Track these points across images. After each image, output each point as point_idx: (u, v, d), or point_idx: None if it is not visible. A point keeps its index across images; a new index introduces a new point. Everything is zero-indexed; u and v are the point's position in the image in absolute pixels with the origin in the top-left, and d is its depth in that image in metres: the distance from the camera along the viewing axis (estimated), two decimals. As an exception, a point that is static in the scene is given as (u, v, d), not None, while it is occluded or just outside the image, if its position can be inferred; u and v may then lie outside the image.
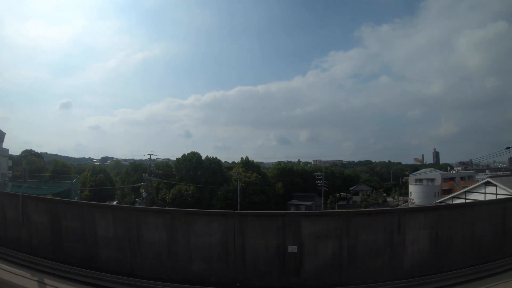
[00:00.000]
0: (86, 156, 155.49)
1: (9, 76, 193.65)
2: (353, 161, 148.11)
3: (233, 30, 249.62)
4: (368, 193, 66.10)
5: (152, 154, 46.27)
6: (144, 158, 54.96)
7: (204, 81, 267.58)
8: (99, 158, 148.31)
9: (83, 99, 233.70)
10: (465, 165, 77.91)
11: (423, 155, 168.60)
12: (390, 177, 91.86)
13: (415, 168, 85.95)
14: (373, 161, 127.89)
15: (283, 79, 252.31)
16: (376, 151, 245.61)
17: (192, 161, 57.20)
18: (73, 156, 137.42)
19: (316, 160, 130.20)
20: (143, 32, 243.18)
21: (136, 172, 57.86)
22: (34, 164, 59.45)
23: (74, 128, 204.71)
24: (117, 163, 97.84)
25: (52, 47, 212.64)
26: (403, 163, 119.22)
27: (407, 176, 67.93)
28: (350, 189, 67.70)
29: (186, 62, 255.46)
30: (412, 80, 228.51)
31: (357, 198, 64.44)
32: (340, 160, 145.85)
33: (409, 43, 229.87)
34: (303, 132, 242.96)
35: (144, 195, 40.57)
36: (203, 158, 59.30)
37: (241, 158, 62.47)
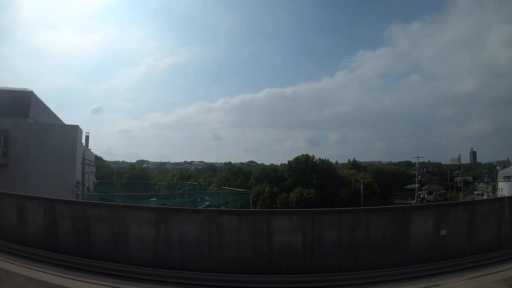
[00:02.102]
0: (120, 160, 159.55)
1: (41, 83, 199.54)
2: (392, 161, 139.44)
3: (260, 33, 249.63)
4: (440, 192, 66.32)
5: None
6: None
7: (232, 84, 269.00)
8: (134, 161, 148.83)
9: (113, 104, 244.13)
10: (504, 164, 79.05)
11: (459, 154, 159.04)
12: (447, 177, 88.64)
13: (457, 167, 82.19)
14: (413, 162, 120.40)
15: (312, 80, 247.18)
16: (407, 151, 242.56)
17: (307, 163, 56.74)
18: (106, 160, 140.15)
19: (362, 162, 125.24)
20: (172, 37, 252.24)
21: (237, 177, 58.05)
22: (102, 170, 58.47)
23: (106, 132, 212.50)
24: (160, 166, 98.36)
25: (82, 54, 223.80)
26: (436, 162, 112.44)
27: (458, 176, 68.43)
28: (423, 188, 66.92)
29: (214, 65, 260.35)
30: (442, 78, 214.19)
31: (430, 198, 64.43)
32: (379, 161, 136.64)
33: (439, 40, 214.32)
34: (333, 133, 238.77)
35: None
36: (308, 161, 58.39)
37: (348, 160, 66.45)
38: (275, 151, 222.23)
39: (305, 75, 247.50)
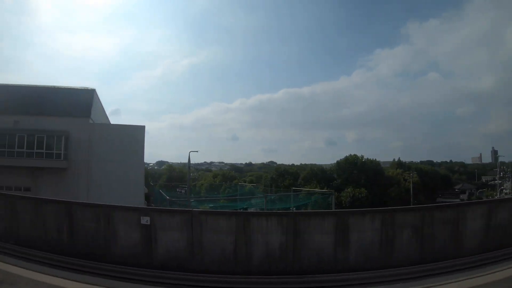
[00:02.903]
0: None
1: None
2: (413, 161, 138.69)
3: (277, 32, 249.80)
4: (472, 191, 65.72)
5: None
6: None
7: (249, 85, 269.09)
8: (154, 162, 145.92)
9: (131, 106, 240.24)
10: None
11: (480, 154, 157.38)
12: (475, 176, 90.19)
13: (481, 166, 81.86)
14: (435, 161, 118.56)
15: (329, 80, 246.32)
16: (425, 151, 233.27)
17: (356, 163, 56.20)
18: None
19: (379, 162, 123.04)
20: (190, 39, 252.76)
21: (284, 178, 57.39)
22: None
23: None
24: (184, 167, 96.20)
25: (100, 57, 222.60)
26: (458, 162, 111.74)
27: (484, 174, 69.40)
28: (455, 188, 66.66)
29: (231, 66, 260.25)
30: (461, 76, 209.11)
31: (463, 196, 63.29)
32: (410, 161, 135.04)
33: (456, 37, 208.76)
34: (350, 133, 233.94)
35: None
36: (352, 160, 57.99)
37: (393, 159, 64.99)
38: (293, 151, 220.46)
39: (322, 75, 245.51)
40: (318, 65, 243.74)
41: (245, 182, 55.39)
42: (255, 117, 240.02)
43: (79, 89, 28.21)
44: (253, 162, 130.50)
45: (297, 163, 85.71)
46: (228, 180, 55.51)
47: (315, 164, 77.63)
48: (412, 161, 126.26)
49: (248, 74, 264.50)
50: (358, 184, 49.62)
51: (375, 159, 58.45)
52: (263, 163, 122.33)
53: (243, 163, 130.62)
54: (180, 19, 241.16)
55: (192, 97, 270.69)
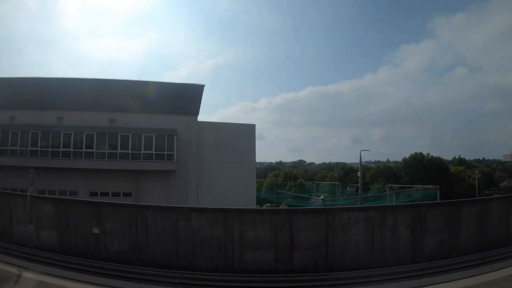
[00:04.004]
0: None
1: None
2: (443, 158, 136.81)
3: (302, 31, 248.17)
4: None
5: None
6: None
7: (274, 84, 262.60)
8: None
9: None
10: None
11: None
12: None
13: None
14: (467, 159, 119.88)
15: (354, 77, 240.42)
16: (453, 148, 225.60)
17: (423, 161, 56.07)
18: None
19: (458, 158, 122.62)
20: (215, 39, 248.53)
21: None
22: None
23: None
24: None
25: (126, 60, 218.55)
26: (486, 158, 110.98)
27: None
28: (501, 185, 66.68)
29: (256, 65, 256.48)
30: (490, 71, 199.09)
31: None
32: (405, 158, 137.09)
33: (484, 31, 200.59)
34: (376, 131, 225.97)
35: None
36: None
37: (454, 157, 64.32)
38: (319, 149, 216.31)
39: (347, 72, 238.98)
40: (343, 62, 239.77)
41: (307, 181, 54.35)
42: (281, 116, 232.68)
43: (187, 84, 25.69)
44: (283, 161, 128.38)
45: (322, 161, 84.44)
46: (291, 179, 53.73)
47: (344, 163, 77.87)
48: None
49: (273, 73, 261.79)
50: (426, 181, 49.39)
51: (439, 156, 58.99)
52: (293, 162, 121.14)
53: (273, 162, 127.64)
54: (205, 20, 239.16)
55: (218, 97, 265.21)
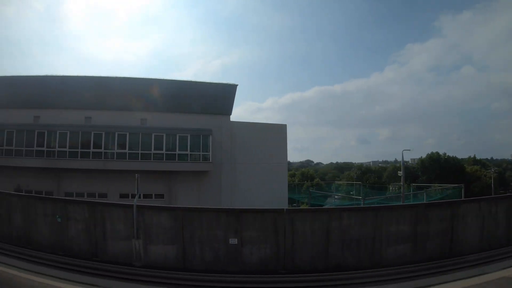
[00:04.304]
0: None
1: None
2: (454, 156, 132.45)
3: (307, 31, 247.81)
4: None
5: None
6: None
7: (281, 84, 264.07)
8: None
9: None
10: None
11: None
12: None
13: None
14: (477, 158, 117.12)
15: (360, 77, 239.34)
16: (459, 147, 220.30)
17: (439, 161, 55.87)
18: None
19: (414, 159, 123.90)
20: (221, 40, 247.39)
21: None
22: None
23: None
24: None
25: (132, 61, 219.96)
26: (494, 158, 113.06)
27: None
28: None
29: (263, 65, 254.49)
30: (496, 70, 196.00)
31: None
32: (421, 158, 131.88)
33: (491, 29, 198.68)
34: (383, 130, 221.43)
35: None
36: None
37: (469, 157, 63.26)
38: (325, 149, 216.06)
39: (353, 72, 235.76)
40: (349, 62, 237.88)
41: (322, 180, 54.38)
42: (287, 116, 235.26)
43: (220, 84, 25.36)
44: (290, 161, 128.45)
45: (328, 161, 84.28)
46: (308, 179, 53.65)
47: (352, 163, 78.09)
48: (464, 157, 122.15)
49: (279, 73, 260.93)
50: (443, 180, 49.53)
51: (454, 156, 59.71)
52: (301, 162, 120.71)
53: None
54: (211, 20, 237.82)
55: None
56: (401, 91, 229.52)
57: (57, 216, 10.62)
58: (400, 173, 25.49)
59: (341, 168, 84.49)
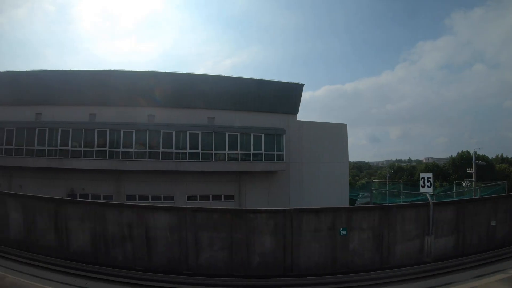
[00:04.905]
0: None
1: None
2: (484, 154, 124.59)
3: (317, 30, 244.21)
4: None
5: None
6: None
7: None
8: None
9: None
10: None
11: None
12: None
13: None
14: (490, 157, 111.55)
15: (371, 75, 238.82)
16: (471, 145, 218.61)
17: (470, 160, 53.82)
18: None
19: (428, 158, 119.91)
20: (231, 39, 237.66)
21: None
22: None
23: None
24: None
25: (142, 62, 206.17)
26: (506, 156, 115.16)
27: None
28: None
29: (272, 65, 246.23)
30: (509, 67, 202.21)
31: None
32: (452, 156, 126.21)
33: (503, 26, 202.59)
34: (394, 129, 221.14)
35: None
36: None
37: (497, 156, 64.45)
38: None
39: (364, 70, 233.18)
40: (360, 60, 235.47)
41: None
42: (298, 115, 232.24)
43: (287, 83, 24.97)
44: None
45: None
46: None
47: (366, 162, 78.54)
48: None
49: (289, 73, 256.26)
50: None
51: (484, 154, 59.24)
52: None
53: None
54: (221, 20, 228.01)
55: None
56: (412, 89, 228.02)
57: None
58: (470, 170, 26.84)
59: (359, 167, 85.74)
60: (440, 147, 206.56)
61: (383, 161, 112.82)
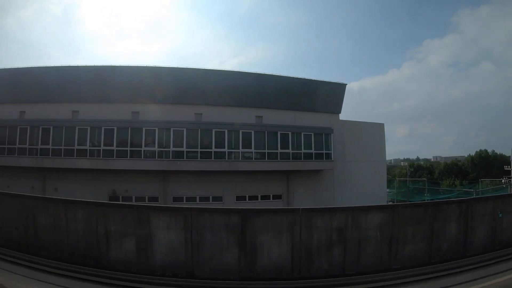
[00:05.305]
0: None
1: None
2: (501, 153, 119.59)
3: (324, 29, 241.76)
4: None
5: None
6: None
7: None
8: None
9: None
10: None
11: None
12: None
13: None
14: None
15: (378, 74, 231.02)
16: (478, 144, 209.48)
17: (488, 158, 56.94)
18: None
19: (436, 157, 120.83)
20: (238, 38, 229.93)
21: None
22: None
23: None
24: None
25: (148, 61, 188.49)
26: None
27: None
28: None
29: (278, 63, 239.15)
30: None
31: None
32: (462, 156, 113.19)
33: (510, 24, 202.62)
34: (401, 128, 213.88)
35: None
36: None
37: None
38: None
39: (370, 69, 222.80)
40: (366, 59, 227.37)
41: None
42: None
43: (330, 83, 25.09)
44: None
45: None
46: None
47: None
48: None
49: (295, 71, 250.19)
50: (492, 176, 48.96)
51: (502, 153, 60.51)
52: None
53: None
54: (228, 20, 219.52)
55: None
56: (419, 87, 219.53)
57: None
58: (508, 167, 28.43)
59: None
60: (447, 145, 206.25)
61: (391, 160, 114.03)
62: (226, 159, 21.49)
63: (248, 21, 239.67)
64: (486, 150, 62.80)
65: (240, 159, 21.67)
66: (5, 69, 22.77)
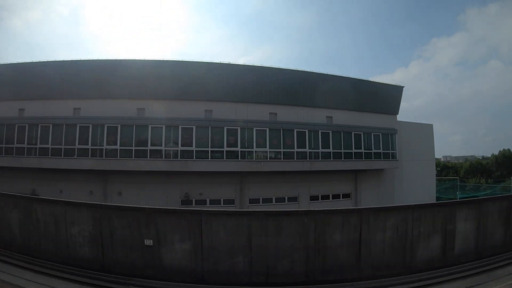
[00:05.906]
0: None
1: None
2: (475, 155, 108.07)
3: (331, 28, 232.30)
4: None
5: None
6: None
7: None
8: None
9: None
10: None
11: None
12: None
13: None
14: None
15: (385, 73, 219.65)
16: (487, 144, 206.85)
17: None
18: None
19: (446, 156, 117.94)
20: (245, 39, 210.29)
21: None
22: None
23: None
24: None
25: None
26: None
27: None
28: None
29: (285, 64, 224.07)
30: None
31: None
32: (472, 155, 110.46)
33: None
34: None
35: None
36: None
37: None
38: None
39: (378, 68, 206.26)
40: (373, 58, 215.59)
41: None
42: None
43: (388, 85, 25.79)
44: None
45: None
46: None
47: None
48: (483, 156, 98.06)
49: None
50: None
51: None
52: None
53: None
54: (234, 20, 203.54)
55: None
56: (427, 86, 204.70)
57: None
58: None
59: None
60: (455, 145, 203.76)
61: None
62: (307, 159, 21.11)
63: (254, 21, 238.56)
64: (509, 150, 62.92)
65: (320, 159, 21.44)
66: (3, 64, 20.53)
